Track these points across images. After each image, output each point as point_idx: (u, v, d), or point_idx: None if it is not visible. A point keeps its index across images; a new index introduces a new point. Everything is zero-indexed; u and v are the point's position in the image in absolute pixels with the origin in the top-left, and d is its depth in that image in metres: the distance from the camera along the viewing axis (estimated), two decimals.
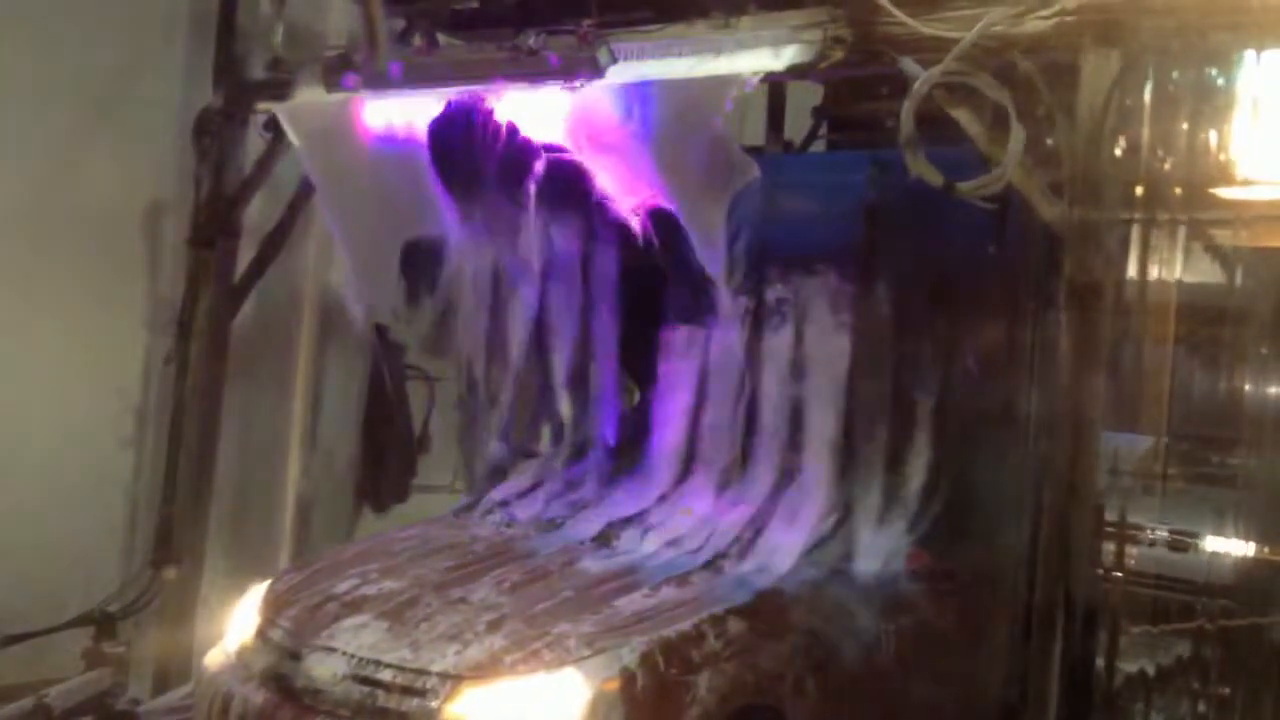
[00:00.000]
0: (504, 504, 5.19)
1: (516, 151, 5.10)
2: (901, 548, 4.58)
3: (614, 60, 4.47)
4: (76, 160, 5.70)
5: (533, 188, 5.18)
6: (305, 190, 5.82)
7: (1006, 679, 4.32)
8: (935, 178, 3.92)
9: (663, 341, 5.31)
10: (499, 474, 5.41)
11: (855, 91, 6.03)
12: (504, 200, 5.28)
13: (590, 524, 4.83)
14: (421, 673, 3.72)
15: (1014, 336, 4.68)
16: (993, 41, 3.85)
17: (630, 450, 5.43)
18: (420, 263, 5.41)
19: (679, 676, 3.74)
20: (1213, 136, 4.00)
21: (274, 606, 4.25)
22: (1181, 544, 5.35)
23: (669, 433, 5.26)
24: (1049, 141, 3.93)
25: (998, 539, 4.73)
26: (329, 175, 5.41)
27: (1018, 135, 3.82)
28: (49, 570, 5.61)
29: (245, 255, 5.99)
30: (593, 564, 4.43)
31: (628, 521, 4.81)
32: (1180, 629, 4.67)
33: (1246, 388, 5.21)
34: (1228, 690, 4.64)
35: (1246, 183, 4.13)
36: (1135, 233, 4.08)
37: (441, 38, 5.02)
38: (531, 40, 4.64)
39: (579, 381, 5.58)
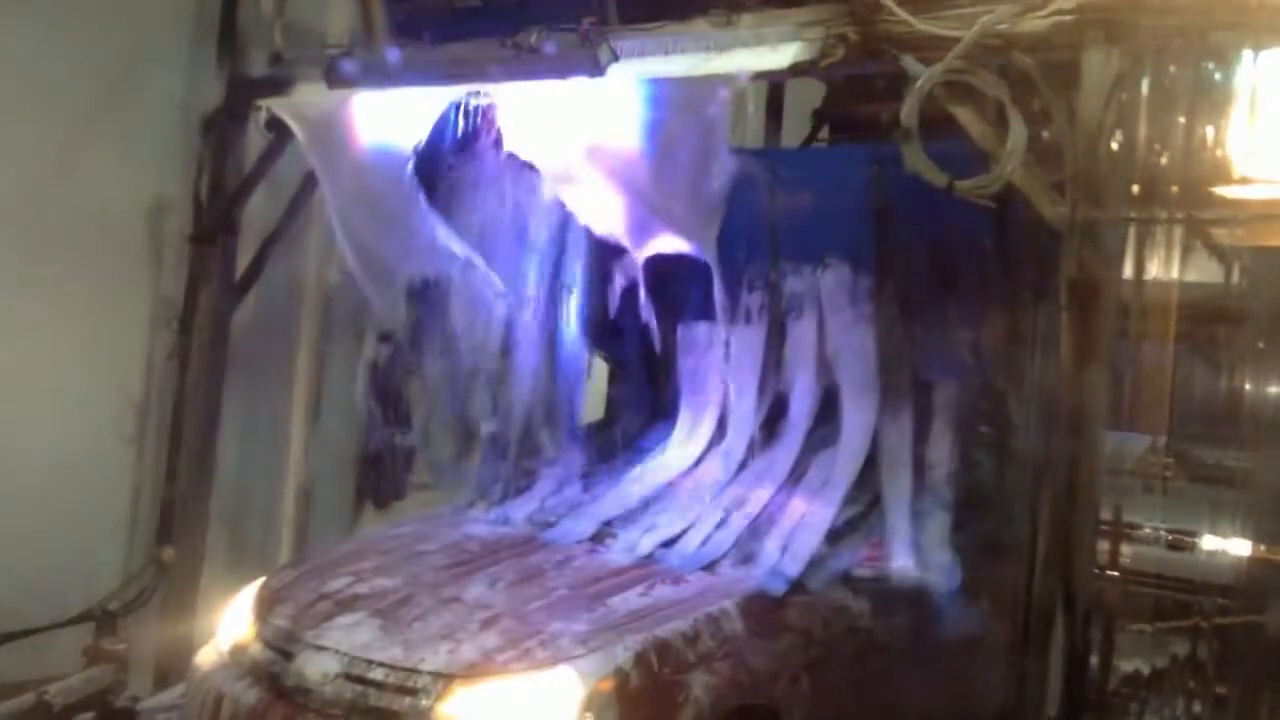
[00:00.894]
0: (499, 502, 5.17)
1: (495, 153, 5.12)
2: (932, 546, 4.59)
3: (615, 58, 4.47)
4: (78, 157, 5.70)
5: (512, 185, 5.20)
6: (307, 187, 5.83)
7: (1006, 677, 4.32)
8: (937, 177, 3.91)
9: (675, 338, 5.30)
10: (492, 474, 5.38)
11: (854, 93, 6.03)
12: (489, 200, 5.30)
13: (586, 522, 4.80)
14: (414, 672, 3.69)
15: (1014, 327, 4.71)
16: (994, 40, 3.86)
17: (629, 447, 5.45)
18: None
19: (673, 676, 3.73)
20: (1213, 135, 4.00)
21: (266, 604, 4.23)
22: (1180, 543, 5.36)
23: (674, 428, 5.25)
24: (1044, 135, 3.93)
25: (1002, 537, 4.75)
26: (331, 171, 5.41)
27: (1018, 133, 3.83)
28: (49, 567, 5.61)
29: (246, 252, 5.99)
30: (587, 562, 4.40)
31: (624, 520, 4.79)
32: (1176, 627, 4.68)
33: (1245, 386, 5.23)
34: (1225, 689, 4.65)
35: (1246, 181, 4.14)
36: (1135, 232, 4.08)
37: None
38: (533, 37, 4.65)
39: (573, 379, 5.59)
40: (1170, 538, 5.37)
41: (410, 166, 5.22)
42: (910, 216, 4.63)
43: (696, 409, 5.25)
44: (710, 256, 4.75)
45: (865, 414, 4.83)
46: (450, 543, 4.63)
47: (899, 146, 3.96)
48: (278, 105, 5.51)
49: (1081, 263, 3.77)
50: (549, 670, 3.66)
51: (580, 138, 4.77)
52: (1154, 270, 4.16)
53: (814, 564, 4.38)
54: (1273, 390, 5.24)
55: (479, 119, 5.24)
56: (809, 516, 4.62)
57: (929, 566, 4.52)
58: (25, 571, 5.49)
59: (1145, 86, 3.90)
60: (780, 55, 4.25)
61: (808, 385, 5.03)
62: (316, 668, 3.81)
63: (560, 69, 4.59)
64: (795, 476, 4.91)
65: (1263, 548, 4.95)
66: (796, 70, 4.27)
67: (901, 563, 4.46)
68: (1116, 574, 4.25)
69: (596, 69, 4.47)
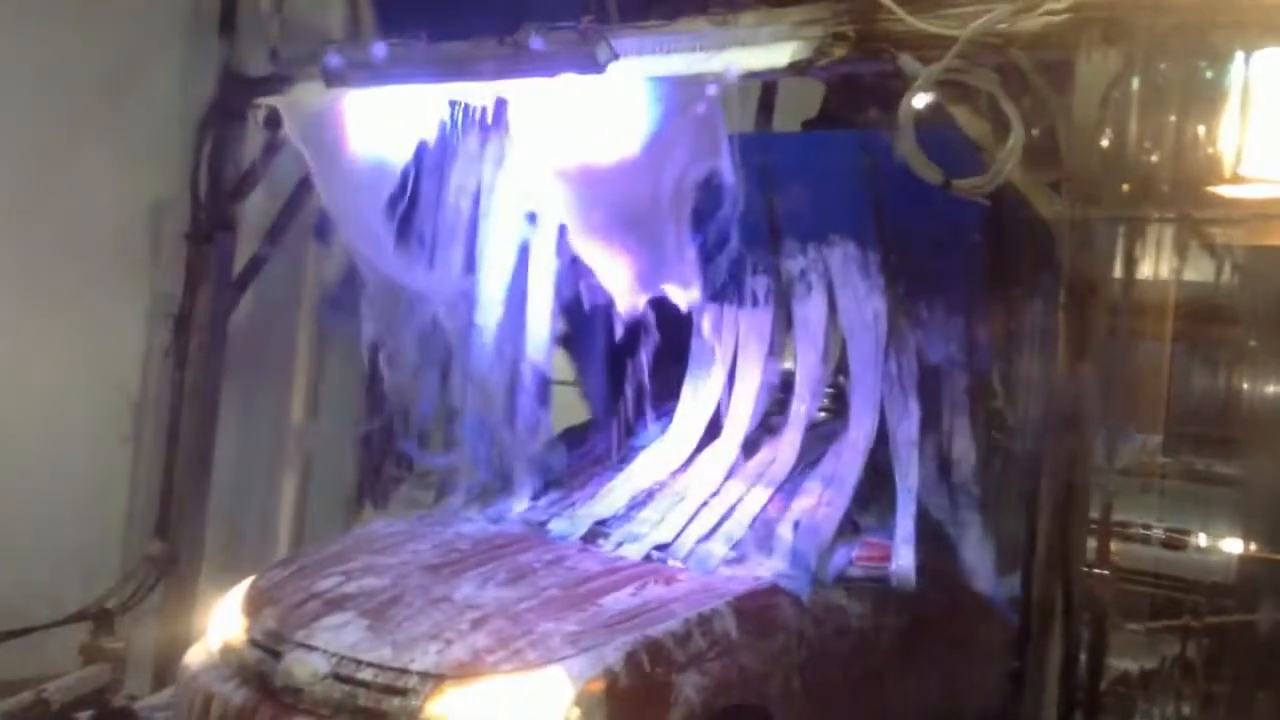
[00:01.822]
0: (492, 501, 5.14)
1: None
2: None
3: (614, 56, 4.47)
4: (76, 155, 5.69)
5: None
6: (305, 185, 5.82)
7: (1002, 677, 4.31)
8: (935, 176, 3.92)
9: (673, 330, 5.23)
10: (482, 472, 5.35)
11: (846, 102, 6.00)
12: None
13: (579, 521, 4.77)
14: (403, 672, 3.68)
15: (1007, 317, 4.71)
16: (993, 39, 3.86)
17: (625, 442, 5.40)
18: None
19: (664, 676, 3.71)
20: (1211, 134, 4.00)
21: (255, 604, 4.21)
22: (1174, 542, 5.36)
23: (672, 421, 5.21)
24: (1033, 133, 3.92)
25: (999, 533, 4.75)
26: (326, 169, 5.40)
27: (1016, 132, 3.83)
28: (47, 565, 5.61)
29: (245, 250, 5.99)
30: (579, 562, 4.38)
31: (618, 519, 4.76)
32: (1169, 626, 4.68)
33: (1239, 386, 5.23)
34: (1218, 688, 4.65)
35: (1242, 180, 4.14)
36: (1133, 231, 4.08)
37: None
38: (531, 35, 4.65)
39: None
40: (1165, 536, 5.37)
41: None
42: (906, 199, 4.56)
43: (697, 398, 5.18)
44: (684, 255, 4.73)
45: (874, 399, 4.80)
46: (441, 542, 4.60)
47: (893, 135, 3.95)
48: (275, 103, 5.51)
49: (1078, 262, 3.78)
50: (539, 670, 3.64)
51: (576, 135, 4.76)
52: (1152, 270, 4.16)
53: (825, 562, 4.37)
54: (1268, 390, 5.24)
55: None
56: (820, 512, 4.58)
57: (932, 560, 4.50)
58: (23, 569, 5.49)
59: (1143, 86, 3.90)
60: (778, 54, 4.25)
61: (814, 368, 4.98)
62: (305, 668, 3.79)
63: (559, 67, 4.59)
64: (802, 468, 4.87)
65: (1254, 546, 4.96)
66: (795, 69, 4.27)
67: (903, 559, 4.43)
68: (1107, 573, 4.24)
69: (596, 67, 4.48)
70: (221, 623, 4.27)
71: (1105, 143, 3.81)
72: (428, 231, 5.34)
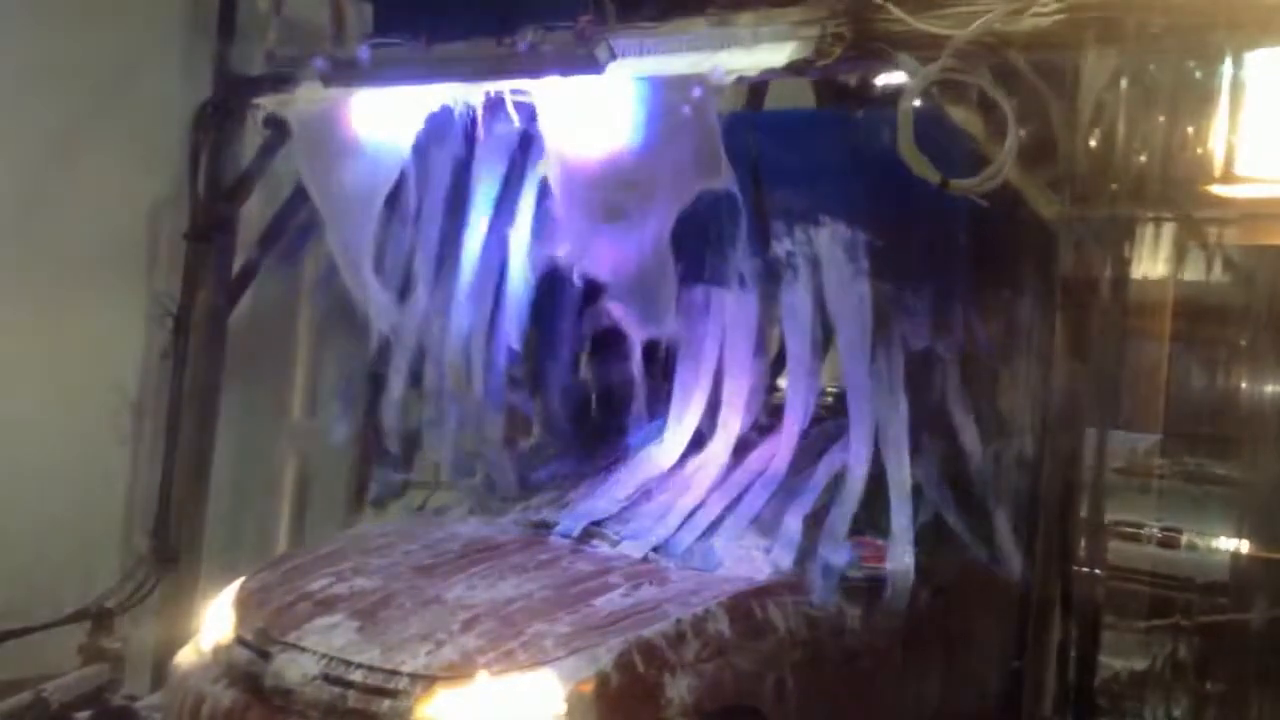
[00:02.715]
0: (484, 501, 5.11)
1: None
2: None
3: (613, 56, 4.47)
4: (75, 155, 5.70)
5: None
6: (304, 185, 5.82)
7: (998, 676, 4.31)
8: (933, 175, 3.92)
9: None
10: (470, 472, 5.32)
11: (835, 100, 5.99)
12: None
13: (573, 521, 4.72)
14: (393, 673, 3.66)
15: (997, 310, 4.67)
16: (990, 39, 3.87)
17: (618, 440, 5.35)
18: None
19: (656, 677, 3.70)
20: (1209, 134, 4.01)
21: (246, 604, 4.20)
22: (1169, 540, 5.36)
23: (666, 417, 5.13)
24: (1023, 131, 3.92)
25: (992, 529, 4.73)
26: (321, 170, 5.39)
27: (1014, 133, 3.84)
28: (46, 565, 5.61)
29: (244, 250, 5.99)
30: (572, 562, 4.35)
31: (613, 518, 4.72)
32: (1161, 625, 4.68)
33: (1234, 385, 5.23)
34: (1213, 687, 4.65)
35: (1240, 180, 4.15)
36: (1131, 230, 4.09)
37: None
38: (530, 36, 4.65)
39: (560, 375, 5.52)
40: (1160, 535, 5.36)
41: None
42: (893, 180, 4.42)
43: (689, 389, 5.06)
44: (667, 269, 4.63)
45: (866, 389, 4.71)
46: (433, 542, 4.58)
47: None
48: (273, 103, 5.51)
49: (1076, 260, 3.78)
50: (530, 672, 3.62)
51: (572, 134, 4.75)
52: (1150, 269, 4.17)
53: (840, 560, 4.34)
54: (1264, 389, 5.24)
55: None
56: (833, 509, 4.53)
57: (924, 557, 4.48)
58: (22, 570, 5.49)
59: (1140, 85, 3.91)
60: (777, 54, 4.25)
61: (804, 356, 4.84)
62: (295, 669, 3.77)
63: (558, 67, 4.59)
64: (805, 463, 4.81)
65: (1247, 545, 4.96)
66: (793, 69, 4.27)
67: (899, 558, 4.41)
68: (1104, 572, 4.24)
69: (595, 67, 4.48)
70: (212, 623, 4.25)
71: (1104, 142, 3.82)
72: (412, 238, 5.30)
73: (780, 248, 4.78)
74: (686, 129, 4.41)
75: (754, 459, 4.89)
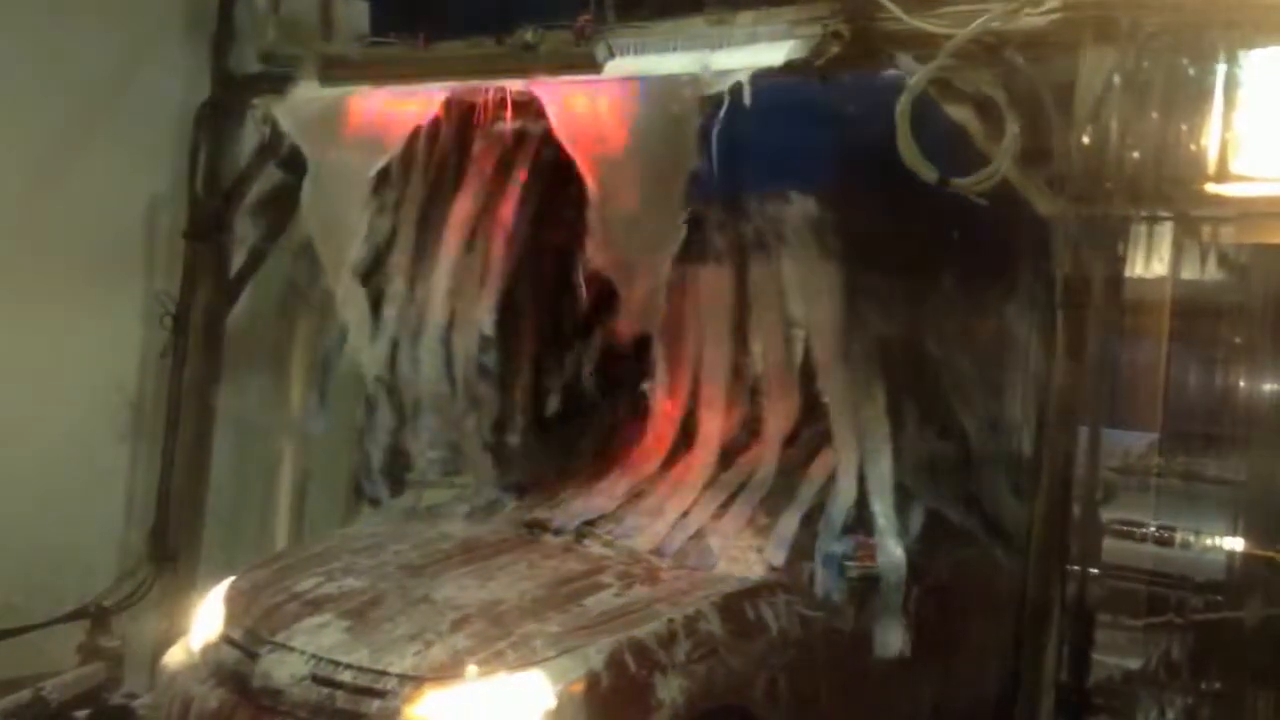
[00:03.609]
0: (475, 500, 5.08)
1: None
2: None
3: (612, 55, 4.47)
4: (73, 154, 5.69)
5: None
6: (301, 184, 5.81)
7: (994, 676, 4.29)
8: (930, 173, 3.92)
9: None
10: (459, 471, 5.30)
11: None
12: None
13: (564, 521, 4.70)
14: (381, 674, 3.63)
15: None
16: (989, 38, 3.87)
17: (608, 440, 5.31)
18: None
19: (647, 678, 3.67)
20: (1208, 133, 4.01)
21: (235, 604, 4.17)
22: (1165, 539, 5.36)
23: (650, 419, 5.07)
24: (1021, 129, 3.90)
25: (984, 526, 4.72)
26: (319, 169, 5.38)
27: (1012, 131, 3.84)
28: (44, 564, 5.60)
29: (242, 249, 5.98)
30: (563, 562, 4.32)
31: (603, 518, 4.68)
32: (1155, 623, 4.68)
33: (1231, 383, 5.23)
34: (1209, 685, 4.66)
35: (1238, 178, 4.15)
36: (1129, 229, 4.09)
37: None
38: (529, 35, 4.65)
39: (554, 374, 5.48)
40: (1156, 534, 5.36)
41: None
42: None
43: (673, 376, 4.97)
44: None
45: (840, 377, 4.61)
46: (423, 541, 4.55)
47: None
48: (271, 103, 5.50)
49: (1074, 260, 3.78)
50: (520, 673, 3.60)
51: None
52: (1148, 268, 4.17)
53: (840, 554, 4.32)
54: (1261, 387, 5.24)
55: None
56: (829, 504, 4.50)
57: (916, 555, 4.46)
58: (20, 568, 5.49)
59: (1139, 84, 3.91)
60: (775, 53, 4.24)
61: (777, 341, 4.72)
62: (284, 669, 3.75)
63: (557, 66, 4.59)
64: (799, 457, 4.75)
65: (1242, 543, 4.96)
66: (791, 68, 4.27)
67: (886, 551, 4.38)
68: (1101, 571, 4.24)
69: (593, 66, 4.48)
70: (202, 622, 4.23)
71: (1101, 141, 3.82)
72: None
73: (748, 224, 4.66)
74: (676, 126, 4.37)
75: (748, 455, 4.83)
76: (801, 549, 4.39)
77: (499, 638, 3.71)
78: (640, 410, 5.14)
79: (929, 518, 4.70)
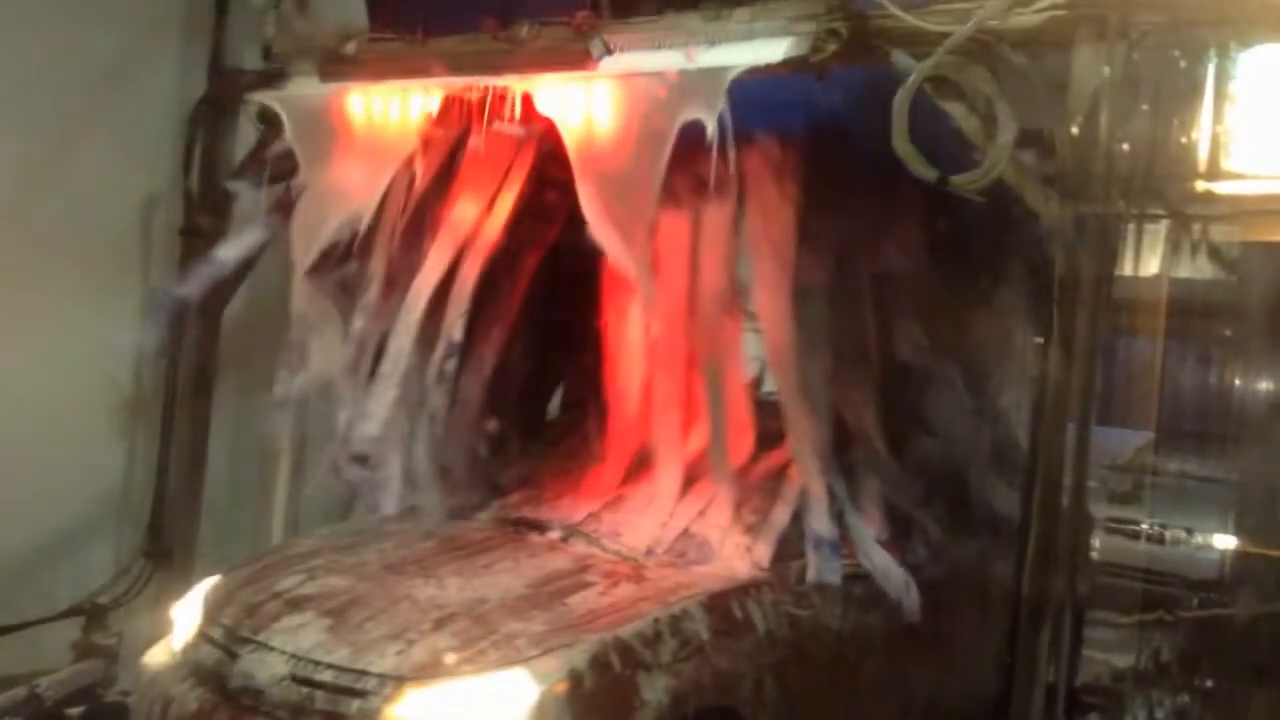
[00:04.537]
0: (463, 500, 4.99)
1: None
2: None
3: (608, 51, 4.47)
4: (70, 151, 5.70)
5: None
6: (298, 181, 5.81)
7: (986, 674, 4.29)
8: (928, 172, 3.93)
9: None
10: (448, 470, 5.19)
11: None
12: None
13: (549, 519, 4.65)
14: (362, 674, 3.59)
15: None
16: (985, 35, 3.87)
17: (594, 438, 5.17)
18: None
19: (632, 677, 3.62)
20: (1198, 129, 4.02)
21: (216, 603, 4.14)
22: (1160, 537, 5.37)
23: (628, 413, 4.91)
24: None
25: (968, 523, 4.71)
26: (314, 167, 5.36)
27: (1007, 129, 3.84)
28: (40, 561, 5.62)
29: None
30: (548, 560, 4.27)
31: (589, 517, 4.63)
32: (1149, 621, 4.69)
33: (1226, 381, 5.25)
34: (1202, 682, 4.66)
35: (1235, 176, 4.16)
36: (1124, 228, 4.10)
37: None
38: (524, 31, 4.65)
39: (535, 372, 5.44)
40: (1151, 532, 5.37)
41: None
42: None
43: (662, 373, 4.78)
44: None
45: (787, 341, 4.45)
46: (407, 540, 4.50)
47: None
48: (268, 98, 5.50)
49: (1071, 258, 3.79)
50: (502, 672, 3.55)
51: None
52: (1146, 266, 4.18)
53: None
54: (1255, 384, 5.26)
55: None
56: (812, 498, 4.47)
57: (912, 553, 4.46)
58: (16, 565, 5.50)
59: (1137, 82, 3.91)
60: (772, 50, 4.24)
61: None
62: (264, 669, 3.71)
63: (553, 62, 4.59)
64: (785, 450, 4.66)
65: (1236, 541, 4.98)
66: (788, 65, 4.27)
67: (864, 553, 4.38)
68: (1091, 569, 4.25)
69: (589, 62, 4.48)
70: (182, 621, 4.20)
71: (1097, 138, 3.82)
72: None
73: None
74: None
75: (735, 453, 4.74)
76: (789, 547, 4.36)
77: (481, 637, 3.66)
78: (626, 408, 5.04)
79: (916, 516, 4.71)
